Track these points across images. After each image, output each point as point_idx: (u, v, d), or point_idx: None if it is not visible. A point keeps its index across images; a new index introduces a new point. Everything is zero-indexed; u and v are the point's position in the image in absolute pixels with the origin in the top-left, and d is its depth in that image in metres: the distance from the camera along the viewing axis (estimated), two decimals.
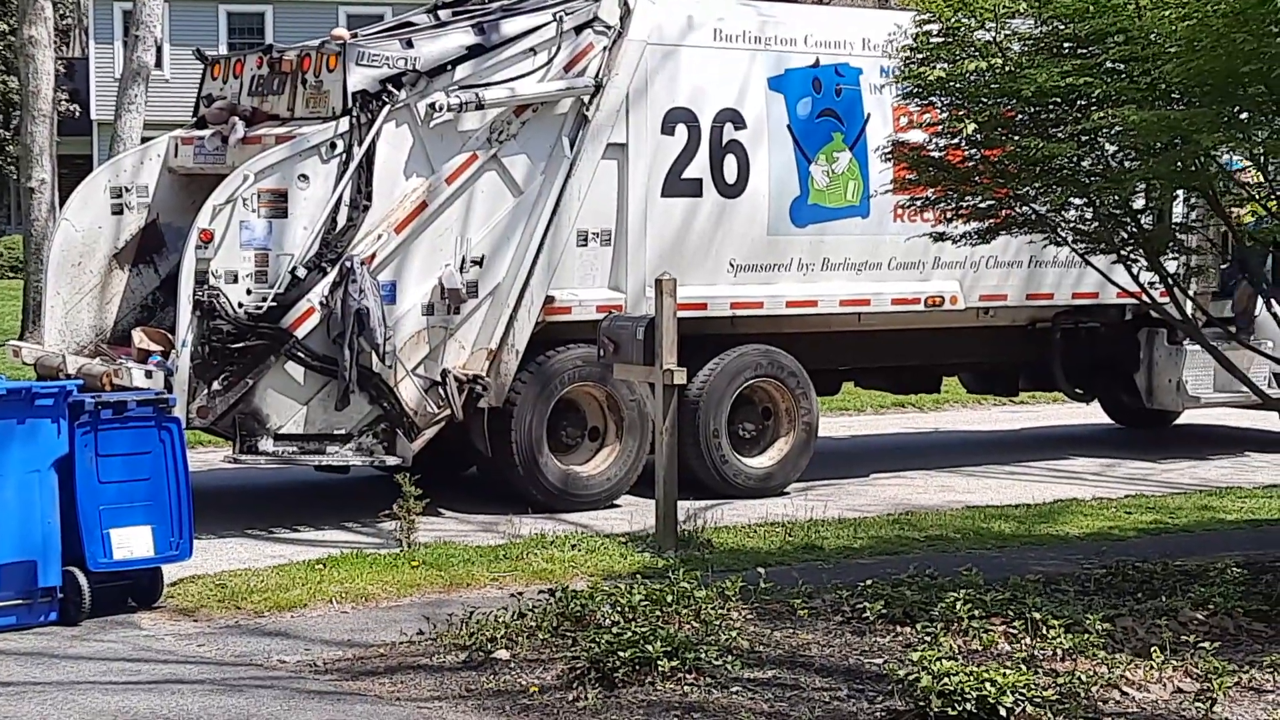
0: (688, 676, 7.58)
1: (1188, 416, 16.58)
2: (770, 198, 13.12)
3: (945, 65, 10.12)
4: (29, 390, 8.91)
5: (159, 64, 32.67)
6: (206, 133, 12.49)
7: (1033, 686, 7.02)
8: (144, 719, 7.27)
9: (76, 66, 44.55)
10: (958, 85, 10.10)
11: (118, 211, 12.69)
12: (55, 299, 12.64)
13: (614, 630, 7.85)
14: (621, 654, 7.57)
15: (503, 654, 8.06)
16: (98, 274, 12.68)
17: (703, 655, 7.69)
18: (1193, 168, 9.65)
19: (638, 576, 9.53)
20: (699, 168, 12.87)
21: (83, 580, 9.00)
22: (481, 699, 7.50)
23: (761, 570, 9.42)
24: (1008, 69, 9.76)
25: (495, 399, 12.07)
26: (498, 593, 9.57)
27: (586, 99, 12.34)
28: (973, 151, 10.40)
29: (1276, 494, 13.21)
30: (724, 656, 7.77)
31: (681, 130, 12.79)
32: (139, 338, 12.06)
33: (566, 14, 12.38)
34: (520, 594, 9.12)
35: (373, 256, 11.57)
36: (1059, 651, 7.74)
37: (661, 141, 12.72)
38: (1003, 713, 6.89)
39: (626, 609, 8.20)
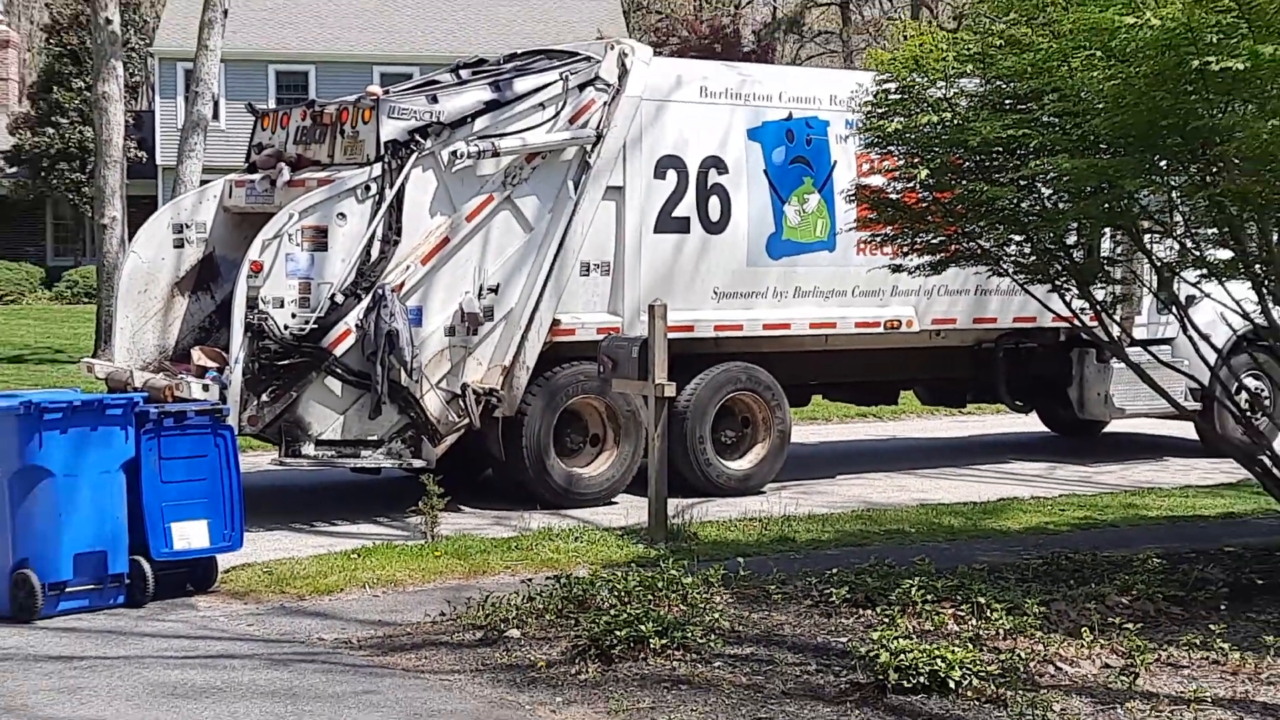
0: (676, 653, 7.57)
1: (1114, 425, 16.58)
2: (749, 234, 13.13)
3: (902, 119, 10.14)
4: (101, 402, 8.91)
5: (216, 116, 32.60)
6: (257, 176, 12.52)
7: (978, 662, 7.02)
8: (200, 689, 7.25)
9: (144, 118, 44.57)
10: (912, 136, 10.11)
11: (179, 245, 12.70)
12: (124, 321, 12.66)
13: (611, 612, 7.84)
14: (618, 633, 7.56)
15: (514, 633, 8.06)
16: (161, 300, 12.69)
17: (689, 634, 7.68)
18: (1118, 209, 9.66)
19: (632, 565, 9.51)
20: (687, 207, 12.88)
21: (147, 568, 9.00)
22: (495, 672, 7.50)
23: (741, 560, 9.41)
24: (956, 122, 9.76)
25: (509, 409, 12.07)
26: (510, 579, 9.56)
27: (589, 147, 12.36)
28: (925, 194, 10.40)
29: (1191, 494, 13.19)
30: (708, 635, 7.77)
31: (671, 175, 12.82)
32: (197, 355, 12.08)
33: (571, 74, 12.42)
34: (529, 580, 9.12)
35: (402, 285, 11.58)
36: (1001, 632, 7.74)
37: (654, 184, 12.75)
38: (951, 685, 6.89)
39: (622, 593, 8.20)
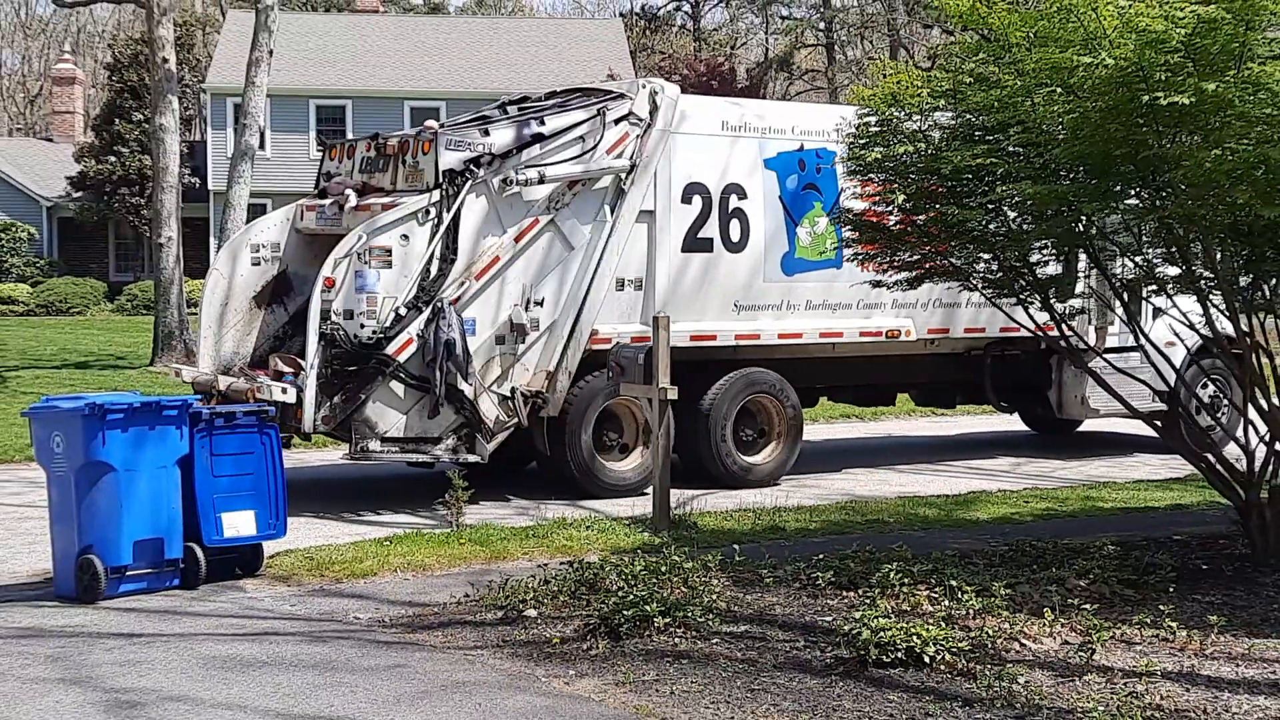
0: (678, 631, 7.58)
1: (1083, 424, 16.57)
2: (766, 253, 13.25)
3: (881, 149, 10.15)
4: (158, 403, 8.93)
5: (262, 145, 32.73)
6: (327, 202, 12.79)
7: (950, 639, 7.03)
8: (248, 662, 7.27)
9: (197, 148, 44.65)
10: (890, 164, 10.13)
11: (255, 263, 12.97)
12: (208, 332, 12.86)
13: (619, 594, 7.85)
14: (625, 612, 7.58)
15: (531, 612, 8.07)
16: (240, 312, 12.91)
17: (690, 614, 7.69)
18: (1077, 230, 9.67)
19: (639, 551, 9.52)
20: (711, 229, 13.05)
21: (199, 554, 9.02)
22: (514, 648, 7.51)
23: (736, 547, 9.42)
24: (930, 152, 9.78)
25: (553, 410, 12.23)
26: (528, 564, 9.57)
27: (623, 175, 12.52)
28: (902, 217, 10.42)
29: (1143, 488, 13.19)
30: (706, 615, 7.77)
31: (696, 200, 12.97)
32: (275, 362, 12.31)
33: (608, 110, 12.62)
34: (545, 565, 9.13)
35: (458, 298, 11.75)
36: (971, 612, 7.73)
37: (681, 209, 12.90)
38: (926, 659, 6.90)
39: (630, 577, 8.20)
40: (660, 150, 12.67)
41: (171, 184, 25.12)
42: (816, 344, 13.61)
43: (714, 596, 8.11)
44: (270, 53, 25.64)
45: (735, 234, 13.10)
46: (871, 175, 10.49)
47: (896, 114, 10.03)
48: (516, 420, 12.00)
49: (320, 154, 13.59)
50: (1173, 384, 10.09)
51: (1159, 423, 10.52)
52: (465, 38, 46.28)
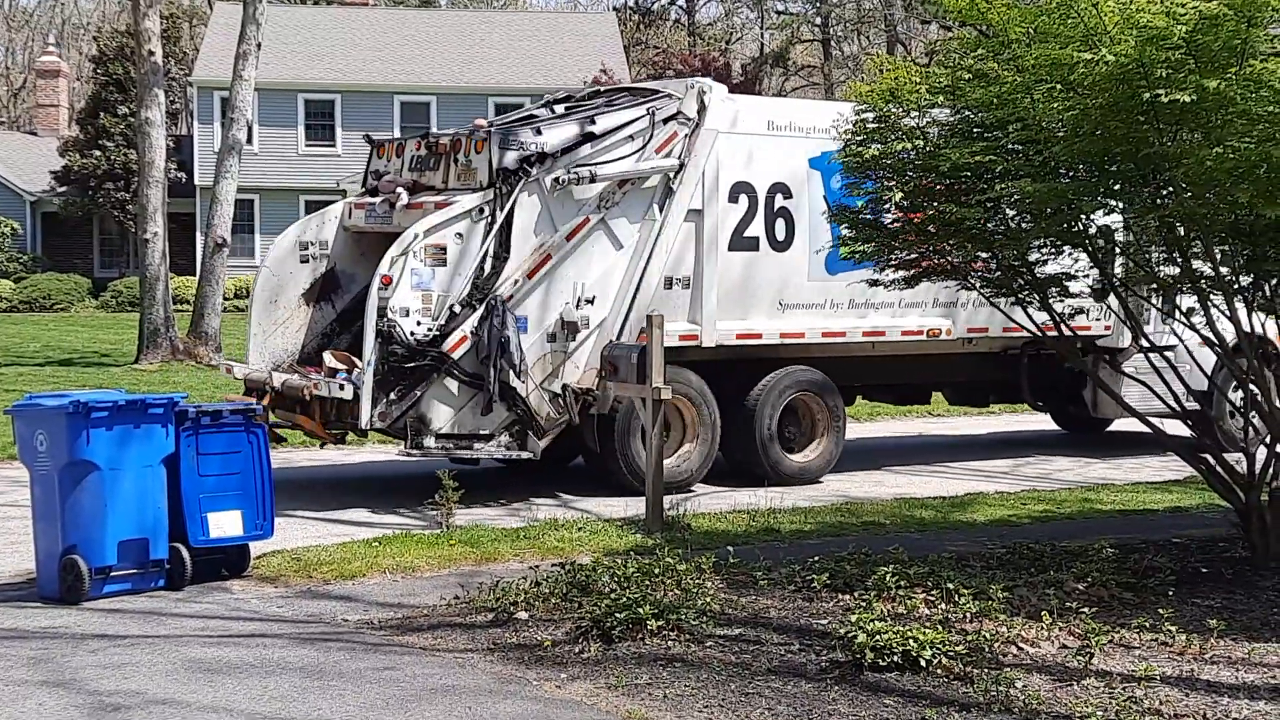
0: (671, 634, 7.57)
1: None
2: (810, 252, 13.37)
3: (879, 145, 10.15)
4: (143, 401, 8.90)
5: (249, 140, 32.70)
6: (377, 200, 12.91)
7: (947, 643, 7.02)
8: (234, 666, 7.26)
9: (183, 142, 44.62)
10: (888, 162, 10.12)
11: (304, 261, 13.17)
12: (257, 329, 13.06)
13: (612, 596, 7.84)
14: (618, 615, 7.57)
15: (522, 615, 8.06)
16: (288, 309, 13.11)
17: (683, 617, 7.68)
18: (1076, 229, 9.68)
19: (631, 553, 9.52)
20: (757, 228, 13.17)
21: (185, 554, 9.00)
22: (505, 651, 7.50)
23: (730, 549, 9.42)
24: (928, 149, 9.77)
25: (602, 407, 12.32)
26: (519, 566, 9.55)
27: (672, 175, 12.69)
28: (899, 215, 10.41)
29: (1142, 490, 13.21)
30: (700, 618, 7.77)
31: (743, 199, 13.10)
32: (328, 358, 12.54)
33: (657, 109, 12.81)
34: (537, 567, 9.11)
35: (510, 296, 11.91)
36: (968, 615, 7.73)
37: (728, 208, 13.02)
38: (923, 663, 6.90)
39: (622, 579, 8.20)
40: (708, 149, 12.83)
41: (157, 179, 25.06)
42: (858, 343, 13.80)
43: (708, 599, 8.10)
44: (258, 46, 25.59)
45: (780, 233, 13.24)
46: (869, 172, 10.48)
47: (894, 110, 10.02)
48: (568, 417, 12.17)
49: (369, 151, 13.85)
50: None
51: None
52: (456, 31, 46.24)
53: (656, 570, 8.39)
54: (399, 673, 7.12)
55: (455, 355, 11.66)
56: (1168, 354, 11.48)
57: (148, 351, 24.67)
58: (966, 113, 9.66)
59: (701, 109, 12.82)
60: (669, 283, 12.73)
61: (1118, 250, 9.94)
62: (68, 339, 29.71)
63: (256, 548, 9.59)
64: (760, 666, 7.13)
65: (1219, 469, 9.65)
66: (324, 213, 13.46)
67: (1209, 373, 10.18)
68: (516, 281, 11.94)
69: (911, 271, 10.74)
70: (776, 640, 7.60)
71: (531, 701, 6.64)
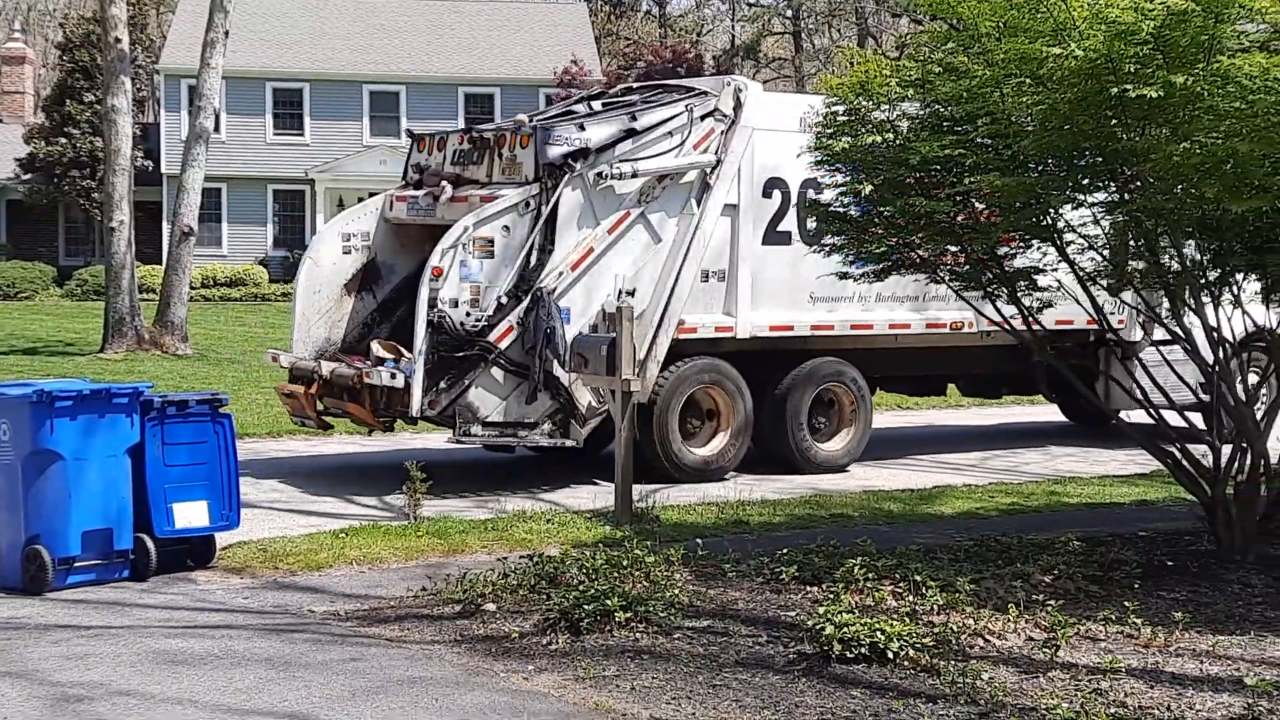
0: (639, 626, 7.58)
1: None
2: None
3: (849, 139, 10.17)
4: (108, 390, 8.86)
5: (217, 128, 32.46)
6: (420, 193, 13.19)
7: (914, 635, 7.05)
8: (199, 657, 7.23)
9: (150, 130, 44.33)
10: (859, 155, 10.14)
11: (346, 252, 13.50)
12: (300, 318, 13.35)
13: (580, 588, 7.85)
14: (586, 607, 7.57)
15: (490, 606, 8.05)
16: (330, 299, 13.42)
17: (651, 609, 7.69)
18: (1044, 223, 9.72)
19: (600, 545, 9.51)
20: (789, 223, 13.39)
21: (150, 545, 8.95)
22: (472, 642, 7.49)
23: (699, 541, 9.44)
24: (898, 142, 9.80)
25: (642, 397, 12.44)
26: (487, 557, 9.54)
27: (709, 170, 12.93)
28: (869, 208, 10.44)
29: (1109, 483, 13.29)
30: (668, 610, 7.77)
31: (776, 194, 13.31)
32: (376, 348, 12.83)
33: (694, 106, 13.04)
34: (505, 558, 9.11)
35: (555, 288, 12.12)
36: (935, 607, 7.76)
37: (762, 203, 13.25)
38: (890, 655, 6.92)
39: (590, 571, 8.20)
40: (744, 146, 13.02)
41: (124, 166, 24.89)
42: (884, 335, 14.06)
43: (676, 591, 8.11)
44: (226, 33, 25.44)
45: (812, 228, 13.29)
46: (839, 165, 10.50)
47: (864, 103, 10.04)
48: (608, 407, 12.20)
49: (409, 145, 14.08)
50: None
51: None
52: (426, 20, 46.07)
53: (625, 562, 8.39)
54: (365, 664, 7.10)
55: (502, 345, 11.92)
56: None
57: (113, 341, 24.51)
58: (936, 106, 9.69)
59: (738, 106, 13.07)
60: (705, 276, 13.00)
61: (1088, 244, 9.98)
62: (32, 328, 29.50)
63: (223, 538, 9.55)
64: (728, 658, 7.14)
65: (1185, 463, 9.72)
66: (365, 205, 13.80)
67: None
68: (561, 273, 12.19)
69: (881, 265, 10.77)
70: (744, 632, 7.61)
71: (499, 693, 6.63)
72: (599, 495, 11.92)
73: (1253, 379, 11.04)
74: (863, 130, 10.07)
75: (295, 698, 6.55)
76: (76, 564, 8.70)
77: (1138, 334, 14.44)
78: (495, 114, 43.16)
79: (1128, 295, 10.53)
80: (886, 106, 9.97)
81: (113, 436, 8.79)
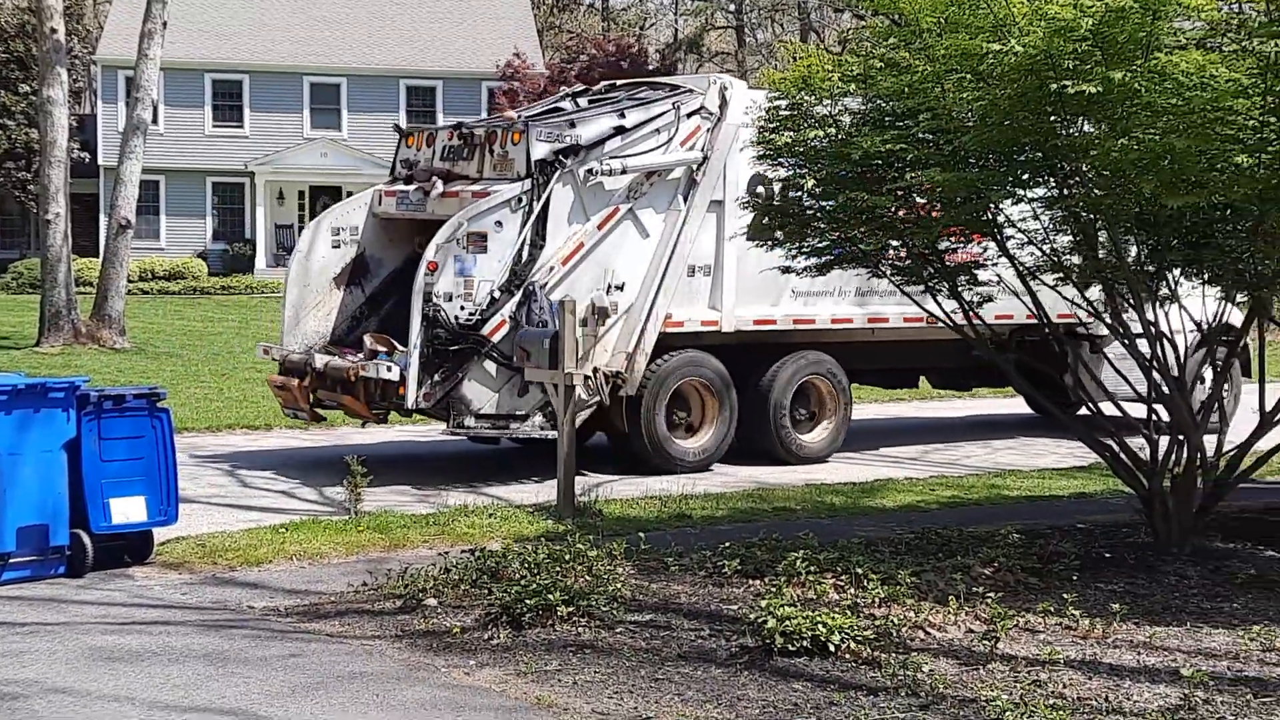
0: (581, 620, 7.58)
1: (973, 409, 16.72)
2: None
3: (791, 133, 10.20)
4: (43, 385, 8.75)
5: (155, 120, 32.16)
6: (410, 188, 13.28)
7: (856, 627, 7.09)
8: (136, 653, 7.15)
9: (87, 121, 43.78)
10: (801, 149, 10.17)
11: (335, 246, 13.61)
12: (290, 311, 13.47)
13: (522, 582, 7.83)
14: (528, 601, 7.56)
15: (431, 601, 8.02)
16: (319, 293, 13.52)
17: (594, 603, 7.69)
18: (985, 218, 9.79)
19: (542, 539, 9.50)
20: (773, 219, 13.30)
21: (87, 540, 8.85)
22: (414, 638, 7.46)
23: (642, 535, 9.43)
24: (841, 137, 9.84)
25: (630, 389, 12.77)
26: (428, 552, 9.50)
27: (695, 167, 13.12)
28: (811, 202, 10.48)
29: (1048, 476, 13.41)
30: (611, 604, 7.78)
31: (761, 190, 13.27)
32: (369, 341, 12.96)
33: (682, 104, 13.15)
34: (446, 553, 9.08)
35: (546, 283, 12.23)
36: (877, 600, 7.81)
37: (747, 199, 13.11)
38: (832, 648, 6.96)
39: (532, 565, 8.19)
40: (730, 143, 13.13)
41: (59, 159, 24.57)
42: (862, 328, 14.27)
43: (618, 585, 8.11)
44: (164, 24, 25.15)
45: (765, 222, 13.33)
46: (781, 160, 10.53)
47: (807, 98, 10.07)
48: (599, 399, 12.41)
49: (396, 140, 14.16)
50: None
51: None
52: (367, 12, 45.75)
53: (567, 556, 8.38)
54: (305, 659, 7.05)
55: (495, 339, 12.07)
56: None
57: (49, 334, 24.20)
58: (878, 101, 9.73)
59: (723, 104, 13.27)
60: (692, 270, 13.17)
61: (1028, 239, 10.06)
62: None
63: (161, 534, 9.45)
64: (670, 652, 7.15)
65: (1123, 455, 9.82)
66: (353, 200, 13.89)
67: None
68: (552, 268, 12.33)
69: (823, 259, 10.81)
70: (687, 626, 7.62)
71: (440, 688, 6.61)
72: (541, 490, 11.90)
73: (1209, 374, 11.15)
74: (805, 125, 10.10)
75: (234, 694, 6.50)
76: (11, 560, 8.59)
77: (1105, 328, 14.51)
78: (437, 107, 42.97)
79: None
80: (829, 101, 10.00)
81: (48, 431, 8.68)
